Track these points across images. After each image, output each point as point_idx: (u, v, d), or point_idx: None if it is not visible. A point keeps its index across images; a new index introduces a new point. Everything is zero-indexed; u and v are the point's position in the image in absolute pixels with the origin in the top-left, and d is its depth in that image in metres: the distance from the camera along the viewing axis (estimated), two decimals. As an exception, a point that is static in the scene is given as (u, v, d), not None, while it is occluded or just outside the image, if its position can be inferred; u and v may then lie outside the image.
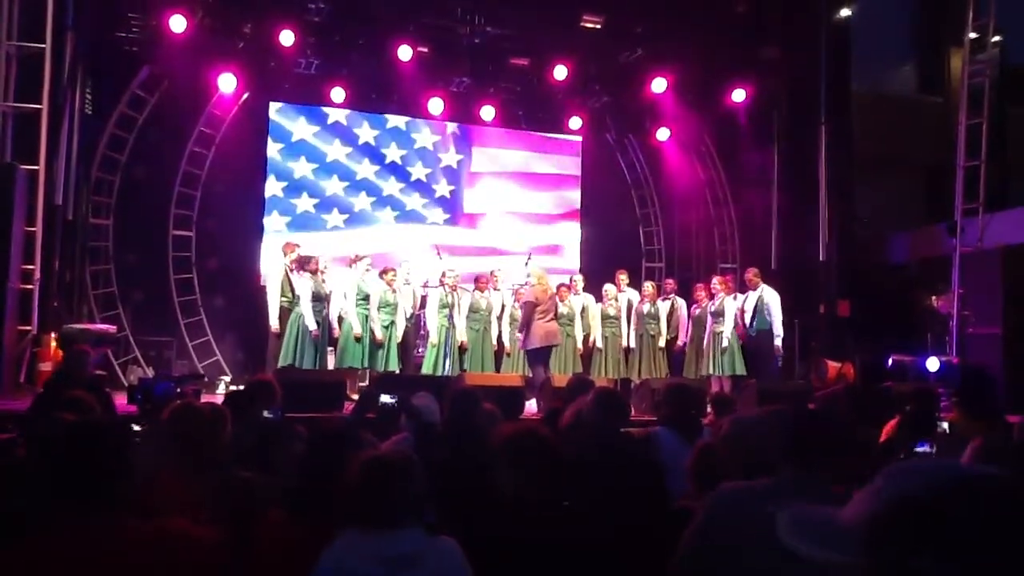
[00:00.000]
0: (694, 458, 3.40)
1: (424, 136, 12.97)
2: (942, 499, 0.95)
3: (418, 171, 12.89)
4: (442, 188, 13.03)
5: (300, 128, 12.31)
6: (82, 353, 6.24)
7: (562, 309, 9.99)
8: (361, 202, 12.54)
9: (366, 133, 12.63)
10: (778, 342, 9.74)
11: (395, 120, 12.82)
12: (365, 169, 12.59)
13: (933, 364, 9.30)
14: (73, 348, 6.73)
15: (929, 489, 0.97)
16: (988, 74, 11.04)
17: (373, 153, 12.65)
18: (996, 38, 11.36)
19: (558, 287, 10.15)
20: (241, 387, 6.90)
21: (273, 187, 12.16)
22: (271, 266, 9.87)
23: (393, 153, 12.74)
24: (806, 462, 2.54)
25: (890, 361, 9.83)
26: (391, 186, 12.71)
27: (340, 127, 12.53)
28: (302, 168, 12.29)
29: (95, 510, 2.19)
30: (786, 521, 1.10)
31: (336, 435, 3.03)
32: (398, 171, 12.77)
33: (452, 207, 13.09)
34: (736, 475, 2.89)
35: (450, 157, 13.11)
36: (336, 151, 12.46)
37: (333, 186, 12.42)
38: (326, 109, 12.37)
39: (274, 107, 12.22)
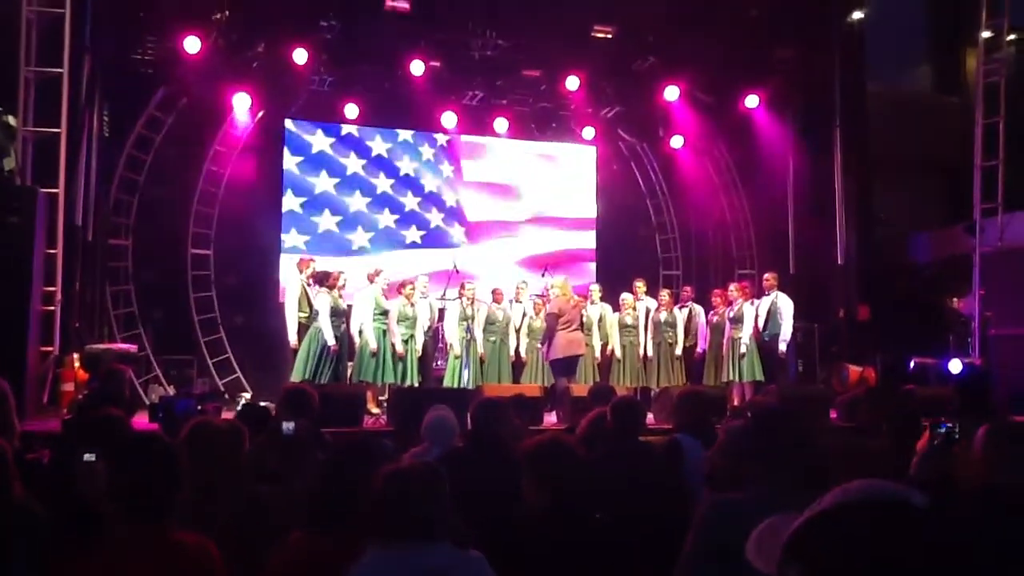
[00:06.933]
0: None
1: (429, 151, 12.97)
2: (825, 518, 0.99)
3: (429, 184, 12.94)
4: (449, 200, 13.05)
5: (318, 141, 12.39)
6: (119, 372, 6.10)
7: (580, 318, 9.94)
8: (385, 219, 12.58)
9: (378, 146, 12.69)
10: (782, 347, 9.58)
11: (404, 134, 12.85)
12: (382, 183, 12.66)
13: (956, 366, 9.19)
14: (110, 368, 6.49)
15: (827, 508, 1.00)
16: (1003, 73, 10.97)
17: (386, 166, 12.71)
18: (1011, 36, 11.30)
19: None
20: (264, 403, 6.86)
21: (291, 202, 12.22)
22: (288, 282, 9.92)
23: (405, 166, 12.81)
24: (769, 467, 2.49)
25: (912, 364, 9.73)
26: (410, 201, 12.75)
27: (352, 141, 12.59)
28: (321, 183, 12.36)
29: (150, 520, 2.29)
30: (752, 537, 1.12)
31: (356, 448, 3.02)
32: (411, 184, 12.82)
33: (461, 222, 13.09)
34: (725, 484, 2.87)
35: (450, 171, 13.09)
36: (353, 164, 12.52)
37: (356, 202, 12.47)
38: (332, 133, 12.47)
39: (290, 122, 12.30)
